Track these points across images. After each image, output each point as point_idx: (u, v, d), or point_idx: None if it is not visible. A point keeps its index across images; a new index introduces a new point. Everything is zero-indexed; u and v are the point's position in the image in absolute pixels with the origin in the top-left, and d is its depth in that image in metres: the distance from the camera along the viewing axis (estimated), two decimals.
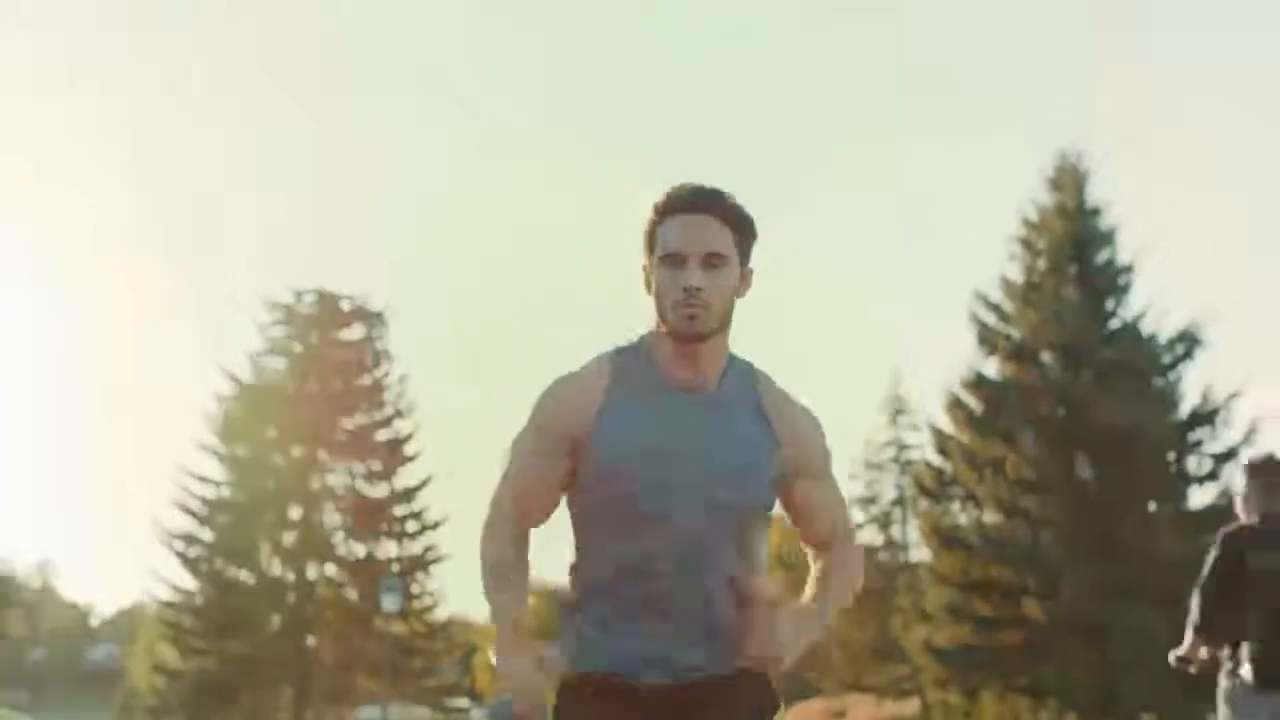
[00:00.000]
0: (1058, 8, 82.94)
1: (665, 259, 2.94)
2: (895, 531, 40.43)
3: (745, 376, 3.04)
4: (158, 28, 74.12)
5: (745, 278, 3.02)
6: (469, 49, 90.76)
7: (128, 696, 56.75)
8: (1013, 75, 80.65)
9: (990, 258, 44.97)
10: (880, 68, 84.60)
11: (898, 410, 41.04)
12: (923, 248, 75.17)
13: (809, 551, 3.18)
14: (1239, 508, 6.22)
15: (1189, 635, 6.14)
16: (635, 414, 2.97)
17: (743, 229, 2.99)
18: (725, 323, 2.99)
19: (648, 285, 3.02)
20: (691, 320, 2.91)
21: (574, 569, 3.06)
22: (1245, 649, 5.95)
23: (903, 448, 40.72)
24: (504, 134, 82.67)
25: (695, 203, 2.96)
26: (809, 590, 3.10)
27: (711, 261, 2.93)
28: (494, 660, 2.96)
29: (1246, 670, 5.93)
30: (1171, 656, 6.23)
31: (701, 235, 2.93)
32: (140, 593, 72.15)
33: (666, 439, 2.94)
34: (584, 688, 2.99)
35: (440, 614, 39.25)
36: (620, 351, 3.06)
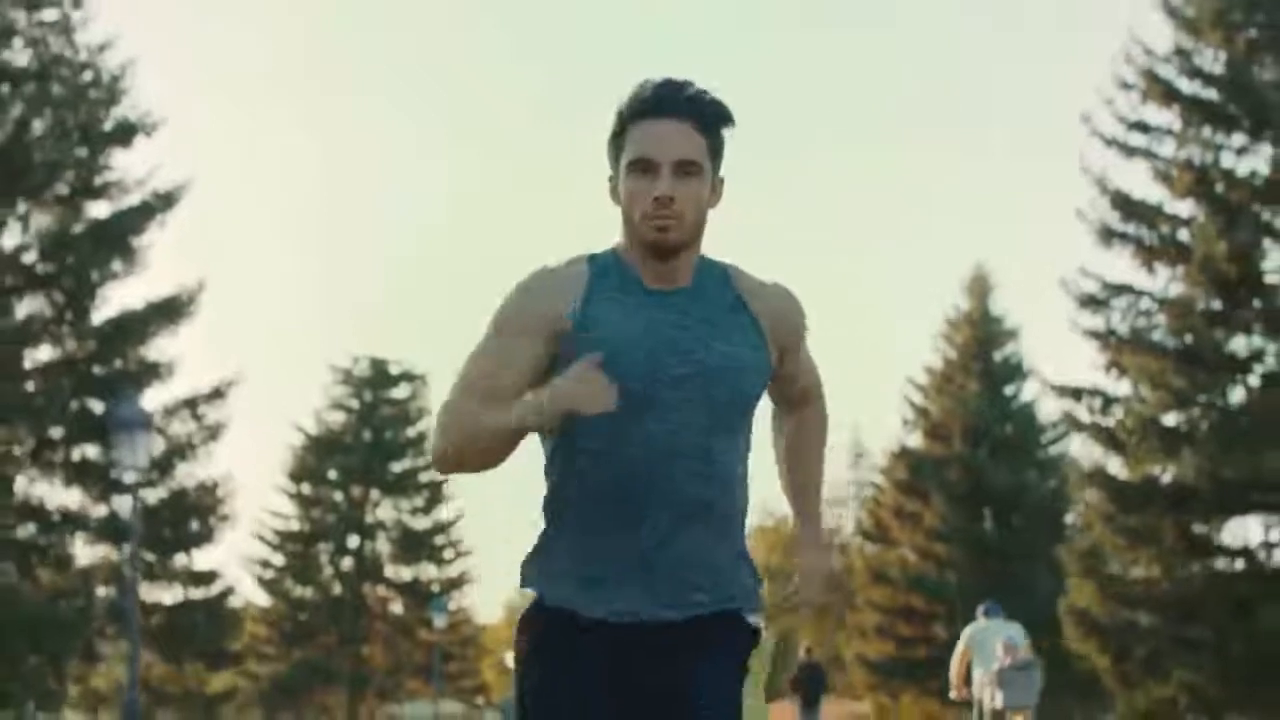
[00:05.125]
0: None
1: (633, 166, 2.93)
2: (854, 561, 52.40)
3: (716, 270, 3.07)
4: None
5: (717, 187, 3.01)
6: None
7: None
8: (1008, 78, 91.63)
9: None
10: (879, 76, 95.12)
11: (858, 454, 53.08)
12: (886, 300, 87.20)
13: (777, 406, 3.32)
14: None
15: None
16: (619, 309, 2.98)
17: (716, 131, 2.99)
18: (697, 235, 2.99)
19: (614, 195, 3.02)
20: (663, 232, 2.91)
21: (548, 480, 3.05)
22: (799, 695, 19.87)
23: (861, 486, 52.74)
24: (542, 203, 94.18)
25: (666, 106, 2.94)
26: (800, 477, 3.31)
27: (684, 169, 2.92)
28: (520, 415, 2.88)
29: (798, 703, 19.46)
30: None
31: (673, 142, 2.91)
32: None
33: (656, 334, 2.95)
34: (547, 626, 3.01)
35: (471, 628, 51.20)
36: (595, 255, 3.07)
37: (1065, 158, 79.18)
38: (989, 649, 14.55)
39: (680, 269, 3.01)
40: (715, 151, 3.00)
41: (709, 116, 2.98)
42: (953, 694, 15.34)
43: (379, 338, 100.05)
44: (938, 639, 40.28)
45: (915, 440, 42.49)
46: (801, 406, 3.31)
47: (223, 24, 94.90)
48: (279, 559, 47.65)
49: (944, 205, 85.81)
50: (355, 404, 49.36)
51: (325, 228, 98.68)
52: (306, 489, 48.28)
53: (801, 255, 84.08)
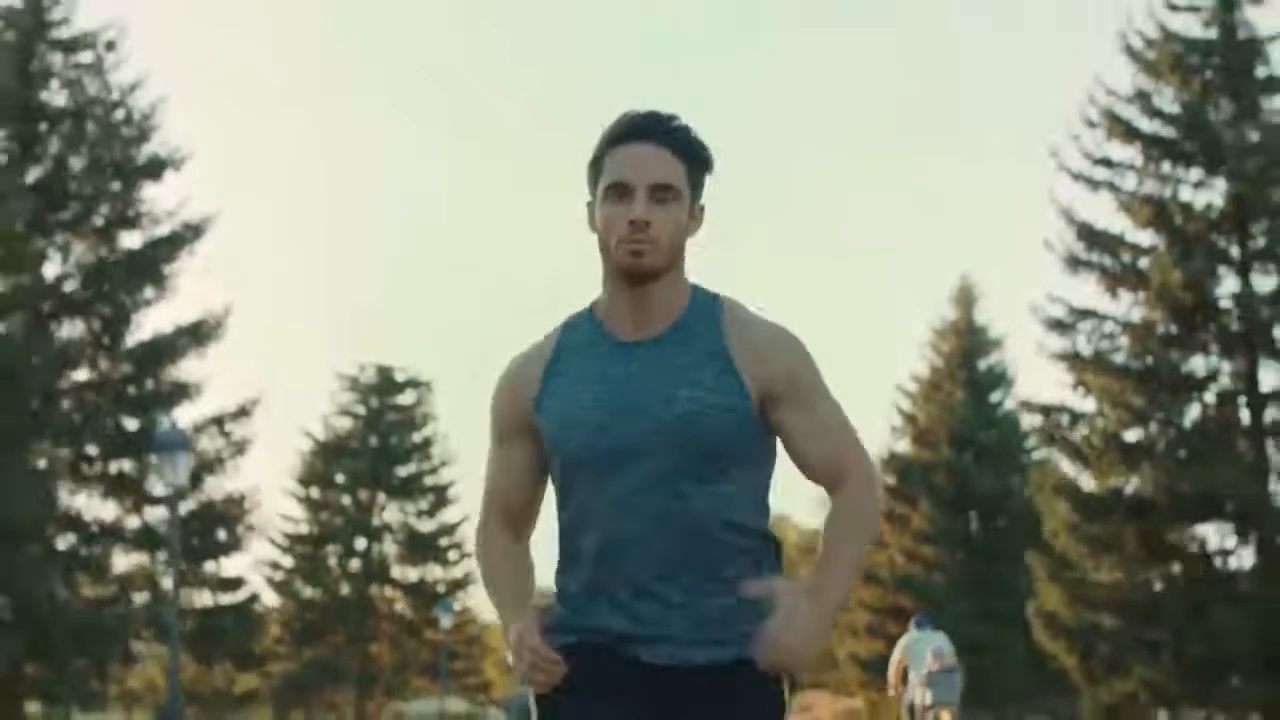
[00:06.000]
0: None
1: (610, 190, 2.96)
2: None
3: (707, 310, 3.03)
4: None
5: (696, 215, 3.03)
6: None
7: None
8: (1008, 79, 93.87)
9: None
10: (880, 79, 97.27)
11: None
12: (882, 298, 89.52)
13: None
14: None
15: None
16: (576, 380, 3.01)
17: (695, 160, 3.01)
18: (675, 261, 2.99)
19: (591, 222, 3.03)
20: (638, 257, 2.93)
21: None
22: None
23: None
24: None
25: (643, 131, 2.97)
26: (819, 556, 3.02)
27: (660, 195, 2.93)
28: (506, 639, 3.05)
29: None
30: None
31: (649, 165, 2.94)
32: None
33: (607, 399, 2.97)
34: (566, 657, 2.99)
35: (475, 627, 53.49)
36: (568, 321, 3.11)
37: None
38: (921, 656, 17.37)
39: (658, 305, 3.01)
40: (694, 178, 3.02)
41: (687, 143, 3.01)
42: (890, 692, 18.17)
43: (384, 345, 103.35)
44: None
45: (904, 446, 44.90)
46: (831, 487, 3.05)
47: (222, 34, 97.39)
48: (289, 561, 49.74)
49: (937, 213, 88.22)
50: (362, 410, 51.45)
51: (329, 238, 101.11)
52: (315, 493, 50.43)
53: (795, 260, 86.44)
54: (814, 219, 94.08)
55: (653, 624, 2.98)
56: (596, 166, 3.02)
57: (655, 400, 2.96)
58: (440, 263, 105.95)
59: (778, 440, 3.07)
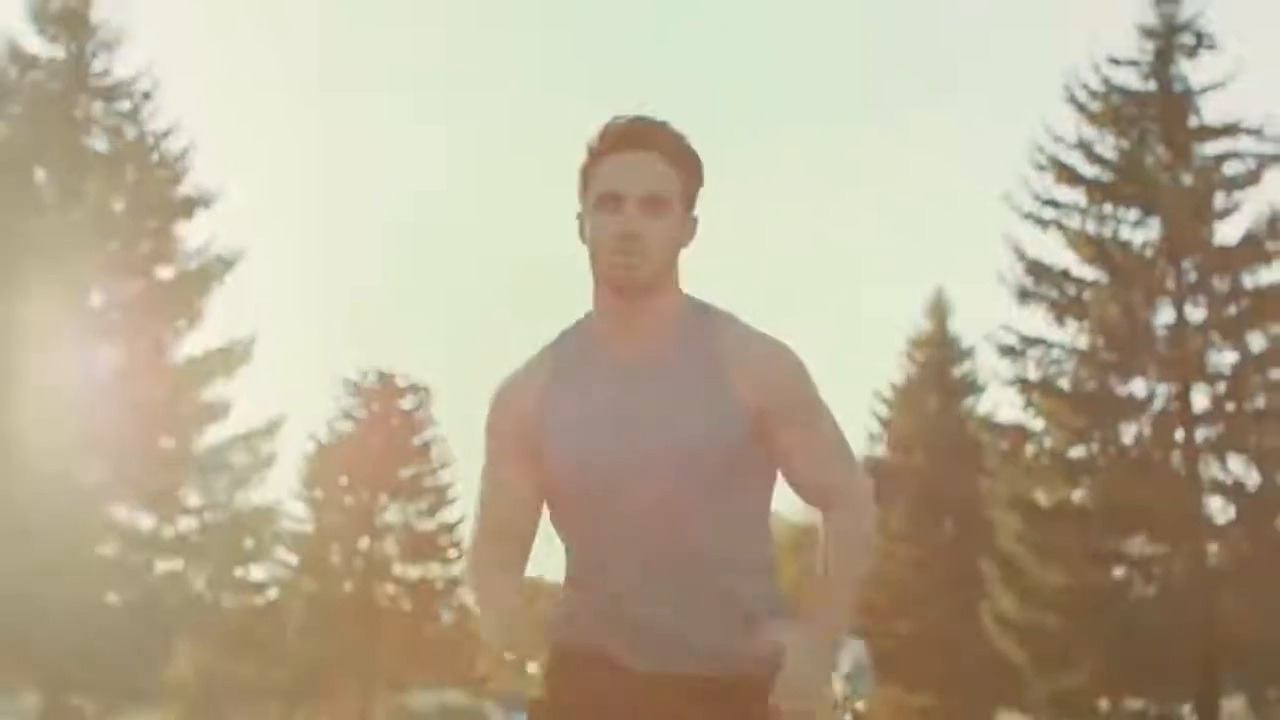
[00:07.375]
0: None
1: (600, 201, 2.93)
2: None
3: (700, 328, 3.03)
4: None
5: (689, 225, 3.01)
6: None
7: None
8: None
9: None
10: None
11: None
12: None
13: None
14: None
15: None
16: (574, 406, 3.02)
17: (687, 167, 2.98)
18: (667, 274, 2.99)
19: (581, 234, 3.01)
20: (628, 270, 2.93)
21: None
22: None
23: None
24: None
25: (633, 138, 2.94)
26: (819, 582, 3.12)
27: (651, 205, 2.92)
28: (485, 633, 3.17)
29: None
30: None
31: (640, 174, 2.92)
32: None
33: (604, 426, 3.00)
34: (567, 660, 3.12)
35: (474, 623, 56.52)
36: (561, 336, 3.11)
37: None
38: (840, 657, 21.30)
39: (650, 320, 3.03)
40: (687, 187, 3.00)
41: (680, 151, 3.00)
42: None
43: (386, 352, 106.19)
44: (901, 633, 46.40)
45: (880, 450, 48.56)
46: (824, 510, 3.18)
47: (223, 47, 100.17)
48: (293, 559, 52.36)
49: (915, 216, 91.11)
50: (364, 414, 54.50)
51: (332, 250, 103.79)
52: (319, 494, 53.12)
53: (776, 271, 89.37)
54: (802, 223, 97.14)
55: (652, 646, 3.07)
56: (585, 176, 3.02)
57: (651, 427, 3.01)
58: (440, 273, 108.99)
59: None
